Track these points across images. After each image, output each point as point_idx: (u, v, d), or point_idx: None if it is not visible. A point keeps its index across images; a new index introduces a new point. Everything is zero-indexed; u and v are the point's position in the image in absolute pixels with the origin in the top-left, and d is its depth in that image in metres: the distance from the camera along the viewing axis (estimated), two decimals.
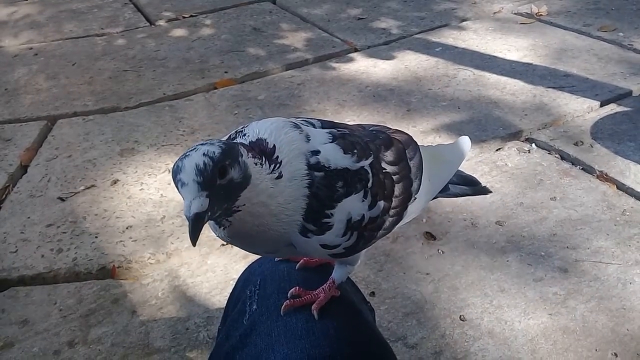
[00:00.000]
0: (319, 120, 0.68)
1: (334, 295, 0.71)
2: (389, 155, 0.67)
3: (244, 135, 0.61)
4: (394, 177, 0.66)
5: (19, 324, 1.34)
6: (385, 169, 0.66)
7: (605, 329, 1.25)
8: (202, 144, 0.53)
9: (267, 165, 0.57)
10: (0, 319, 1.35)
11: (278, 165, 0.57)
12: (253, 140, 0.60)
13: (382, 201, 0.64)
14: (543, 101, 2.11)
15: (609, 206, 1.59)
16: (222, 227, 0.57)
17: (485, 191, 0.87)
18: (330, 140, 0.62)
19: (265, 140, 0.59)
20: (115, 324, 1.33)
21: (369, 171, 0.63)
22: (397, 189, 0.67)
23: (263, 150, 0.58)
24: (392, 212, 0.67)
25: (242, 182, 0.54)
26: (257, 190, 0.55)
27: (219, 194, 0.52)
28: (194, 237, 0.50)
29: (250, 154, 0.56)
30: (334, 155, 0.61)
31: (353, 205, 0.61)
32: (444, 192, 0.81)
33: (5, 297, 1.41)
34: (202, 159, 0.51)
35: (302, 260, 0.76)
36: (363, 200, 0.62)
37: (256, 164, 0.56)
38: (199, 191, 0.50)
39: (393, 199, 0.66)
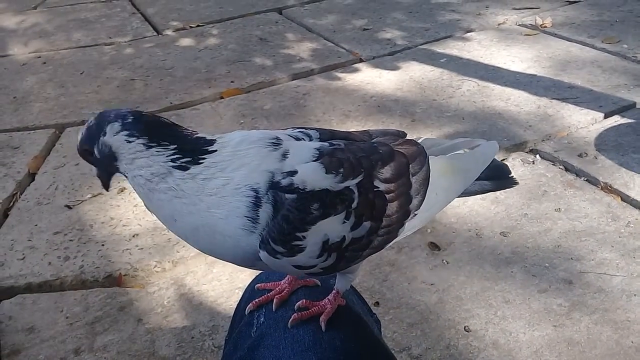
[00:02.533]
0: (317, 130, 0.67)
1: (340, 304, 0.72)
2: (385, 172, 0.65)
3: (213, 136, 0.63)
4: (387, 196, 0.65)
5: (25, 331, 1.35)
6: (377, 188, 0.64)
7: (610, 341, 1.25)
8: (86, 124, 0.61)
9: (170, 152, 0.59)
10: (7, 326, 1.36)
11: (189, 161, 0.58)
12: (199, 136, 0.61)
13: (368, 221, 0.63)
14: (547, 112, 2.12)
15: (613, 218, 1.60)
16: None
17: (511, 183, 0.82)
18: (314, 159, 0.61)
19: (210, 142, 0.61)
20: (121, 332, 1.33)
21: (355, 191, 0.61)
22: (391, 208, 0.65)
23: (180, 141, 0.60)
24: (382, 231, 0.65)
25: (106, 157, 0.60)
26: (134, 164, 0.60)
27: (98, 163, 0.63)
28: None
29: (125, 132, 0.59)
30: (312, 176, 0.60)
31: (331, 227, 0.60)
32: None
33: (12, 304, 1.42)
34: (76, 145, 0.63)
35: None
36: (344, 222, 0.61)
37: (130, 142, 0.59)
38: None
39: (384, 218, 0.65)
